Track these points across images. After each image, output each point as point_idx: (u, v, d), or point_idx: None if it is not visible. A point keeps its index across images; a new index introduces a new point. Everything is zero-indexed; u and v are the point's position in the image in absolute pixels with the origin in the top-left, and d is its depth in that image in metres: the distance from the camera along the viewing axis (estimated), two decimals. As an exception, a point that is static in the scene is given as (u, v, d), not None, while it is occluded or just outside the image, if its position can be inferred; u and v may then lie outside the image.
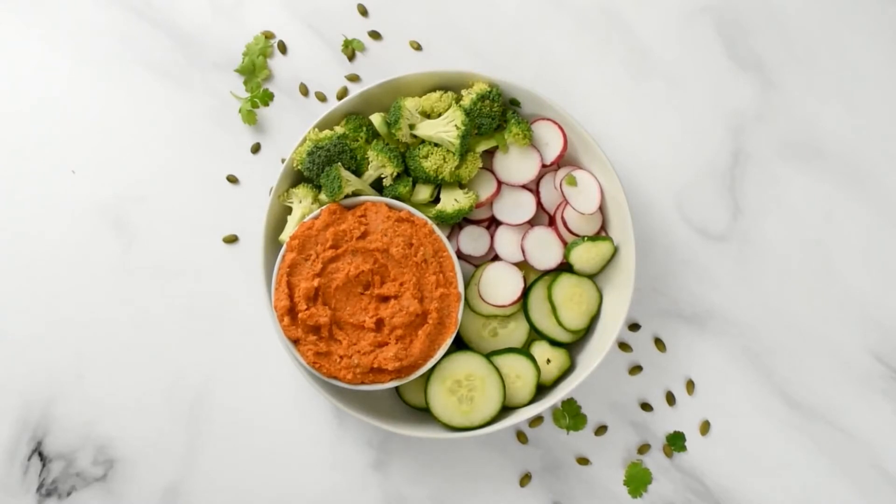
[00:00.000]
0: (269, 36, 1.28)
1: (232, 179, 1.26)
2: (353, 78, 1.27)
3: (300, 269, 1.12)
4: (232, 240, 1.25)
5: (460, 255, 1.20)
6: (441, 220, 1.16)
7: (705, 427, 1.23)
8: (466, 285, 1.17)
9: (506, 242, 1.19)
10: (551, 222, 1.20)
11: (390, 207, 1.13)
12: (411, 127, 1.16)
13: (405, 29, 1.28)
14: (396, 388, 1.19)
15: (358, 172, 1.17)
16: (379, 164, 1.16)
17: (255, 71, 1.27)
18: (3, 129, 1.26)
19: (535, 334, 1.19)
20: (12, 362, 1.23)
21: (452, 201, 1.17)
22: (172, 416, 1.23)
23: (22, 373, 1.23)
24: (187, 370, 1.23)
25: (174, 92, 1.27)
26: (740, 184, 1.26)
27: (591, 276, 1.19)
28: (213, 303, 1.24)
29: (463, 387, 1.14)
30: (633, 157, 1.26)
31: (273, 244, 1.16)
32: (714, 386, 1.24)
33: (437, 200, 1.19)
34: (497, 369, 1.14)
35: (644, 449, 1.23)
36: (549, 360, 1.17)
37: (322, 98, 1.27)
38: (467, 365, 1.14)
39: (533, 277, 1.19)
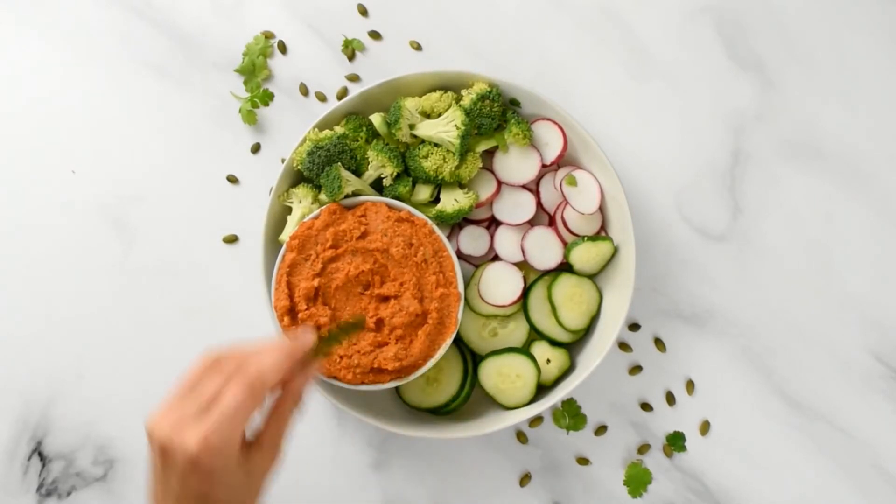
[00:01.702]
0: (269, 36, 1.28)
1: (232, 179, 1.26)
2: (353, 78, 1.27)
3: (300, 269, 1.12)
4: (232, 240, 1.25)
5: (460, 255, 1.20)
6: (441, 220, 1.16)
7: (705, 427, 1.23)
8: (466, 285, 1.17)
9: (506, 242, 1.19)
10: (551, 222, 1.20)
11: (390, 207, 1.13)
12: (411, 127, 1.16)
13: (405, 29, 1.28)
14: (396, 388, 1.19)
15: (358, 172, 1.17)
16: (379, 164, 1.16)
17: (255, 71, 1.27)
18: (2, 130, 1.27)
19: (535, 334, 1.19)
20: (12, 362, 1.24)
21: (452, 201, 1.17)
22: (172, 416, 1.23)
23: (22, 373, 1.23)
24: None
25: (174, 92, 1.27)
26: (740, 184, 1.26)
27: (591, 276, 1.19)
28: (213, 303, 1.24)
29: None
30: (633, 157, 1.26)
31: (273, 244, 1.16)
32: (714, 386, 1.24)
33: (437, 200, 1.19)
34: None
35: (644, 449, 1.23)
36: (549, 360, 1.17)
37: (322, 98, 1.27)
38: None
39: (533, 277, 1.19)
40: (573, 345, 1.20)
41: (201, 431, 0.85)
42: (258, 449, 0.90)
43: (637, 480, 1.22)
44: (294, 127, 1.26)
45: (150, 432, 0.87)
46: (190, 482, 0.86)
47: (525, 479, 1.22)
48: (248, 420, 0.87)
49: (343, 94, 1.27)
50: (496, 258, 1.19)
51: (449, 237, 1.19)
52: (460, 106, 1.15)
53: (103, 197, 1.26)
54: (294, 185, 1.17)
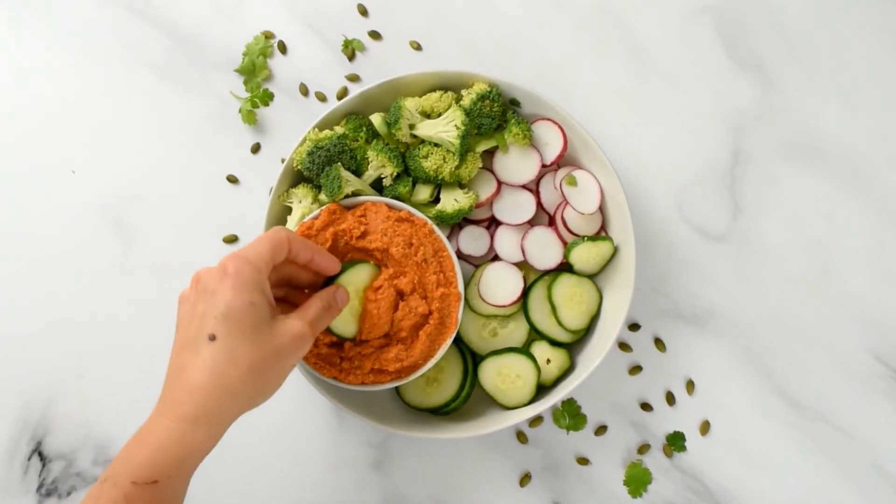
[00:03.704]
0: (269, 36, 1.28)
1: (232, 179, 1.26)
2: (353, 78, 1.27)
3: (300, 269, 1.12)
4: (232, 240, 1.25)
5: (460, 255, 1.20)
6: (441, 220, 1.16)
7: (705, 427, 1.23)
8: (466, 285, 1.17)
9: (506, 242, 1.19)
10: (551, 222, 1.20)
11: (390, 207, 1.13)
12: (411, 127, 1.16)
13: (405, 29, 1.28)
14: (396, 388, 1.19)
15: (358, 172, 1.17)
16: (379, 164, 1.16)
17: (255, 71, 1.27)
18: (2, 130, 1.27)
19: (535, 334, 1.19)
20: (12, 362, 1.23)
21: (452, 201, 1.17)
22: (172, 416, 1.22)
23: (22, 373, 1.23)
24: (187, 370, 1.23)
25: (174, 92, 1.27)
26: (740, 184, 1.26)
27: (591, 276, 1.19)
28: (213, 303, 1.24)
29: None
30: (633, 157, 1.26)
31: (273, 244, 1.15)
32: (714, 386, 1.24)
33: (437, 200, 1.19)
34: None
35: (644, 449, 1.23)
36: (549, 360, 1.17)
37: (322, 98, 1.27)
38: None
39: (533, 277, 1.19)
40: (573, 345, 1.20)
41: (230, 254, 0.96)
42: (287, 316, 0.97)
43: (637, 480, 1.22)
44: (294, 127, 1.26)
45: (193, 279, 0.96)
46: (217, 287, 0.92)
47: (525, 479, 1.22)
48: (269, 262, 0.96)
49: (343, 94, 1.27)
50: (496, 258, 1.19)
51: (449, 237, 1.19)
52: (460, 106, 1.15)
53: (103, 197, 1.26)
54: (294, 185, 1.17)
